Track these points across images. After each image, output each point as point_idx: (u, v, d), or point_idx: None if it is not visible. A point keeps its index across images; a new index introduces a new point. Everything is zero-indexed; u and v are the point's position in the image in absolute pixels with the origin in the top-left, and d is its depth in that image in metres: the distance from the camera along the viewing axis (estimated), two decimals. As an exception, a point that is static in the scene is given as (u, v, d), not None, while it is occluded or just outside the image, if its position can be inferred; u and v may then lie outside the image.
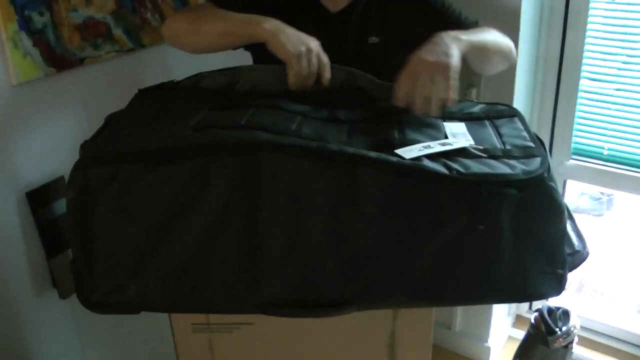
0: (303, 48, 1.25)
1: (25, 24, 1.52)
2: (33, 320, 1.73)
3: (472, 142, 1.10)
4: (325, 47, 1.30)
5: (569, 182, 2.39)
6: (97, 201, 1.03)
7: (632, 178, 2.13)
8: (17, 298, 1.67)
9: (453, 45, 1.26)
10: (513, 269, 1.06)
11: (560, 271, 1.09)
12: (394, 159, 1.01)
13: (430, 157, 1.04)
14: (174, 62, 1.96)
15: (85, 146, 1.11)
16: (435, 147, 1.06)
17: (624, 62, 2.05)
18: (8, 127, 1.55)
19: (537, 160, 1.07)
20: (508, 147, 1.11)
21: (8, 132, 1.55)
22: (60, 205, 1.69)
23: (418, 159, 1.02)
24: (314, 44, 1.28)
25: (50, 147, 1.67)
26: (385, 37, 1.51)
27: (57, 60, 1.61)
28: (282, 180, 1.01)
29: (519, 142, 1.13)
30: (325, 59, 1.29)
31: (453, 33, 1.31)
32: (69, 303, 1.79)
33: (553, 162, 1.26)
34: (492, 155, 1.07)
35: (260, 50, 1.31)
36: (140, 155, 1.03)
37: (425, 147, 1.06)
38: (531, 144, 1.12)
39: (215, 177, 1.01)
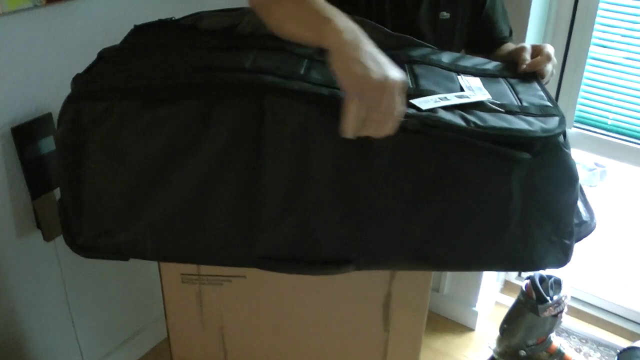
0: (379, 79, 0.87)
1: (16, -51, 1.44)
2: (16, 262, 1.68)
3: (489, 96, 1.05)
4: (398, 18, 1.25)
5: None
6: (88, 138, 0.98)
7: (634, 150, 2.09)
8: (-1, 239, 1.61)
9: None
10: (519, 236, 1.03)
11: (567, 241, 1.07)
12: (410, 110, 0.96)
13: (446, 108, 0.99)
14: (171, 1, 1.88)
15: (77, 80, 1.05)
16: (452, 99, 1.02)
17: (626, 29, 1.99)
18: (-7, 58, 1.48)
19: (556, 119, 1.03)
20: (525, 104, 1.06)
21: (-7, 62, 1.49)
22: (47, 144, 1.63)
23: (434, 110, 0.97)
24: (398, 76, 0.89)
25: (37, 82, 1.60)
26: (455, 13, 1.47)
27: (48, -10, 1.53)
28: (288, 127, 0.95)
29: (536, 100, 1.08)
30: (402, 107, 0.91)
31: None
32: (53, 246, 1.74)
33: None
34: (510, 110, 1.03)
35: None
36: (137, 92, 0.96)
37: (441, 99, 1.01)
38: (549, 104, 1.08)
39: (217, 120, 0.95)
